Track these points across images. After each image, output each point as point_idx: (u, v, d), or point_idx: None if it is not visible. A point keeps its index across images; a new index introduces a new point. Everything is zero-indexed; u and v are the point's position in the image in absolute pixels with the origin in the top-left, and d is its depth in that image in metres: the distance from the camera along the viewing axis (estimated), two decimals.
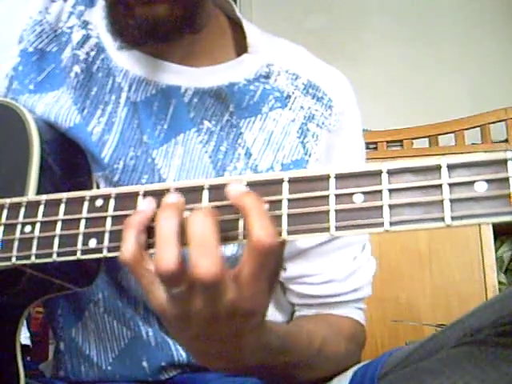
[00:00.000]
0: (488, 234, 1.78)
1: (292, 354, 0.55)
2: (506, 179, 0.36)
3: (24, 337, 1.39)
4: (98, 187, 0.66)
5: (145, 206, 0.43)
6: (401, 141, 1.98)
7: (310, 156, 0.69)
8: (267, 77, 0.70)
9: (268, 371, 0.55)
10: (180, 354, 0.69)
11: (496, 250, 1.90)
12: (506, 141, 1.90)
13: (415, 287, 1.79)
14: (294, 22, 2.59)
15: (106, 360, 0.69)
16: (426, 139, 2.03)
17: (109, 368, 0.69)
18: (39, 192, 0.56)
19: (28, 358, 1.38)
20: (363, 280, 0.73)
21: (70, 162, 0.65)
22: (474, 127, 1.95)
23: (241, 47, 0.71)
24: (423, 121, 1.99)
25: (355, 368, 0.65)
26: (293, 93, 0.70)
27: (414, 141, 2.02)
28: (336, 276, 0.71)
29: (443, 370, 0.52)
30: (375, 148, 2.00)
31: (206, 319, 0.42)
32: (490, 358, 0.50)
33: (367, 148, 2.02)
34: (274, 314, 0.73)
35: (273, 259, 0.40)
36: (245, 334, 0.44)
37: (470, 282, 1.76)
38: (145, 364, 0.68)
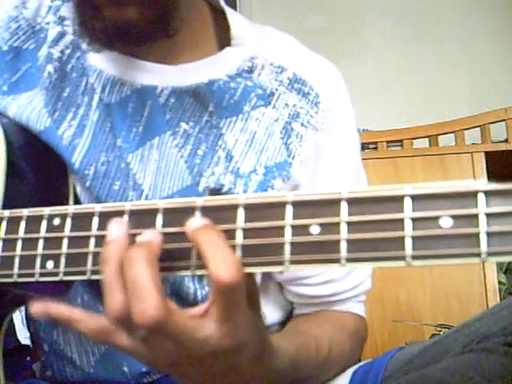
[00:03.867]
0: None
1: (303, 369, 0.54)
2: (475, 215, 0.33)
3: (24, 337, 1.40)
4: (74, 190, 0.64)
5: None
6: (401, 141, 1.98)
7: (293, 158, 0.65)
8: (250, 71, 0.66)
9: None
10: None
11: None
12: (506, 141, 1.90)
13: (415, 287, 1.79)
14: (293, 22, 2.59)
15: (88, 363, 0.68)
16: (426, 139, 2.03)
17: (91, 371, 0.68)
18: (6, 199, 0.55)
19: (28, 358, 1.38)
20: (362, 276, 0.71)
21: (45, 165, 0.63)
22: (474, 127, 1.95)
23: (224, 40, 0.67)
24: (423, 121, 1.99)
25: (354, 368, 0.65)
26: (276, 89, 0.66)
27: (413, 141, 2.02)
28: (334, 276, 0.69)
29: (449, 379, 0.50)
30: (375, 148, 1.99)
31: (193, 360, 0.40)
32: (498, 369, 0.48)
33: (367, 148, 2.02)
34: (273, 314, 0.72)
35: (242, 292, 0.38)
36: (244, 367, 0.42)
37: (470, 282, 1.76)
38: (125, 369, 0.67)
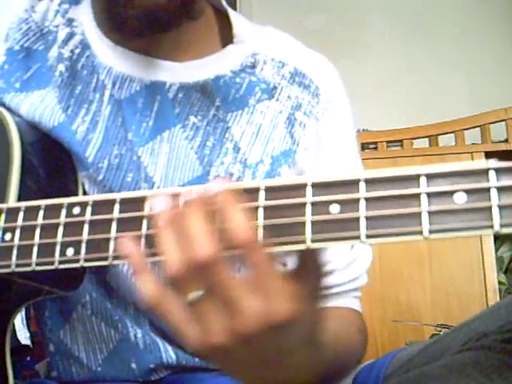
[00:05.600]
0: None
1: (337, 360, 0.54)
2: (487, 190, 0.35)
3: (24, 337, 1.40)
4: (83, 187, 0.66)
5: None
6: (401, 141, 1.98)
7: (297, 145, 0.68)
8: (253, 67, 0.70)
9: None
10: (169, 355, 0.68)
11: (496, 250, 1.90)
12: (506, 141, 1.90)
13: (415, 287, 1.79)
14: (293, 22, 2.59)
15: (96, 361, 0.69)
16: (426, 139, 2.03)
17: (99, 369, 0.68)
18: (21, 195, 0.56)
19: (28, 358, 1.38)
20: (361, 268, 0.72)
21: (54, 162, 0.64)
22: (474, 127, 1.95)
23: (227, 38, 0.70)
24: (423, 121, 1.99)
25: (358, 368, 0.65)
26: (279, 83, 0.70)
27: (414, 141, 2.02)
28: (337, 266, 0.70)
29: (448, 376, 0.51)
30: (375, 148, 2.00)
31: (239, 339, 0.39)
32: (496, 365, 0.49)
33: (367, 148, 2.02)
34: None
35: (263, 254, 0.38)
36: (293, 350, 0.41)
37: (470, 282, 1.76)
38: (133, 366, 0.67)
